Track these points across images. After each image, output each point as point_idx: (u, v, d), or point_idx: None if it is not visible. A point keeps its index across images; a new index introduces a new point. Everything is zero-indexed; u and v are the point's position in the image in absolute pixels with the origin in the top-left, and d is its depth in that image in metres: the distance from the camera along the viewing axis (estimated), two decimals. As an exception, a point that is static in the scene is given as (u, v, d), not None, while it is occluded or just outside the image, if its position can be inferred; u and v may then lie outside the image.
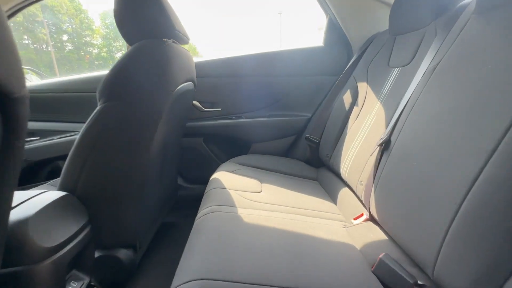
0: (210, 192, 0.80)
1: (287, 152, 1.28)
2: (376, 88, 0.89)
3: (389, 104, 0.78)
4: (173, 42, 0.76)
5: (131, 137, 0.66)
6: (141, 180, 0.75)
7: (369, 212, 0.69)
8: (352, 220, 0.73)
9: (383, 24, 1.10)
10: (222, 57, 1.23)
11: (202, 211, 0.69)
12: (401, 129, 0.63)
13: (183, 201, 1.33)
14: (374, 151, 0.71)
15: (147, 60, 0.64)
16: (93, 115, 0.62)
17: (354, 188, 0.81)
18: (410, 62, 0.76)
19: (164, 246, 1.13)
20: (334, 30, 1.15)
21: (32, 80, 2.02)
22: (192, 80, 0.90)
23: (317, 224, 0.69)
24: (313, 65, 1.20)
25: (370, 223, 0.68)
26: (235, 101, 1.25)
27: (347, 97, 1.03)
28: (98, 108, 0.62)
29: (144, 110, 0.65)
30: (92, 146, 0.62)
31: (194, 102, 1.22)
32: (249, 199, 0.78)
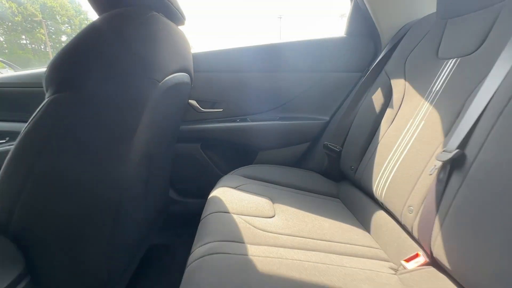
0: (209, 218, 0.61)
1: (300, 162, 1.09)
2: (421, 85, 0.70)
3: (447, 105, 0.59)
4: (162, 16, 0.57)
5: (96, 144, 0.46)
6: (115, 204, 0.55)
7: (430, 254, 0.49)
8: (403, 263, 0.53)
9: (418, 11, 0.92)
10: (225, 48, 1.04)
11: (197, 251, 0.49)
12: (486, 139, 0.44)
13: (175, 218, 1.13)
14: (434, 168, 0.52)
15: (122, 34, 0.45)
16: (37, 113, 0.43)
17: (397, 215, 0.61)
18: (478, 49, 0.58)
19: (151, 276, 0.93)
20: (360, 17, 0.97)
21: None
22: (187, 71, 0.71)
23: (359, 271, 0.49)
24: (333, 59, 1.02)
25: (433, 270, 0.49)
26: (239, 101, 1.06)
27: (377, 97, 0.84)
28: (44, 102, 0.43)
29: (115, 105, 0.46)
30: (35, 158, 0.43)
31: (190, 101, 1.03)
32: (260, 228, 0.59)
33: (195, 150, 1.06)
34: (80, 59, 0.42)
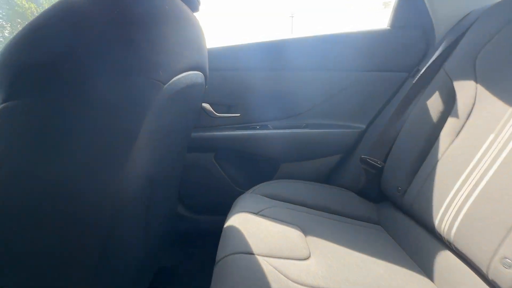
0: (226, 263, 0.46)
1: (329, 177, 0.94)
2: (504, 89, 0.53)
3: None
4: None
5: (71, 169, 0.33)
6: (105, 227, 0.42)
7: None
8: None
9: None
10: (245, 43, 0.90)
11: None
12: None
13: (184, 236, 1.00)
14: None
15: (111, 14, 0.31)
16: None
17: (480, 266, 0.45)
18: None
19: None
20: (409, 5, 0.80)
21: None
22: (201, 69, 0.57)
23: None
24: (373, 56, 0.86)
25: None
26: (259, 105, 0.92)
27: (434, 103, 0.68)
28: None
29: (101, 116, 0.32)
30: None
31: (203, 104, 0.89)
32: (296, 280, 0.44)
33: (207, 161, 0.92)
34: (46, 50, 0.29)
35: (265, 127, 0.92)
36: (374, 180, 0.79)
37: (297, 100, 0.92)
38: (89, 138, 0.34)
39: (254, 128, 0.91)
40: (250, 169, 0.96)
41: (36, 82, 0.28)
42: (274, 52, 0.89)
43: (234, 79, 0.91)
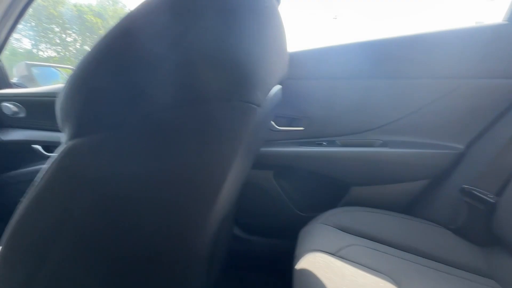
0: None
1: (412, 208, 0.78)
2: None
3: None
4: None
5: (155, 218, 0.27)
6: (173, 271, 0.36)
7: None
8: None
9: None
10: (310, 48, 0.79)
11: None
12: None
13: (237, 258, 0.92)
14: None
15: (195, 15, 0.24)
16: (50, 168, 0.25)
17: None
18: None
19: None
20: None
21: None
22: (282, 81, 0.48)
23: None
24: (480, 58, 0.68)
25: None
26: (326, 117, 0.80)
27: None
28: (62, 150, 0.24)
29: (188, 150, 0.25)
30: (48, 242, 0.25)
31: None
32: None
33: (265, 179, 0.83)
34: (123, 71, 0.22)
35: (332, 143, 0.80)
36: (481, 218, 0.62)
37: (372, 112, 0.78)
38: (175, 178, 0.27)
39: (320, 145, 0.80)
40: (314, 191, 0.84)
41: (111, 111, 0.22)
42: (346, 57, 0.77)
43: (297, 88, 0.81)
